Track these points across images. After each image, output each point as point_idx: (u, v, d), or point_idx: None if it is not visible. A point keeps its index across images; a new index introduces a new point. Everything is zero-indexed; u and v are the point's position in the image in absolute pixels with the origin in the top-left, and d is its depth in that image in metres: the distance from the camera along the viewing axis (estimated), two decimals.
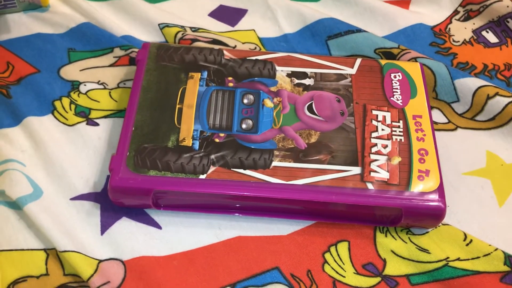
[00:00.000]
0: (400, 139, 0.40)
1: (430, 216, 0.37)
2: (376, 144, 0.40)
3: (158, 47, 0.45)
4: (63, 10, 0.53)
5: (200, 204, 0.39)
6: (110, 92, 0.47)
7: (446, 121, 0.46)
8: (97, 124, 0.44)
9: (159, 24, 0.51)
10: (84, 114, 0.45)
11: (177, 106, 0.41)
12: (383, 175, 0.38)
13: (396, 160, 0.39)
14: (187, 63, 0.44)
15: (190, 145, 0.39)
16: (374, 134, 0.40)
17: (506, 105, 0.44)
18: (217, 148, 0.39)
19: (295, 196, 0.37)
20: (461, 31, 0.53)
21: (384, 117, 0.41)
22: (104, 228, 0.39)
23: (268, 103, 0.42)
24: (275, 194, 0.37)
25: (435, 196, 0.37)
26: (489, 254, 0.38)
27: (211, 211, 0.39)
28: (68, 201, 0.40)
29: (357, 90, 0.43)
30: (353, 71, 0.44)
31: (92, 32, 0.50)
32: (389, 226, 0.39)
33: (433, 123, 0.42)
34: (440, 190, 0.38)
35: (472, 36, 0.53)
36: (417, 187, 0.37)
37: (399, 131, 0.40)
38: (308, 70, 0.44)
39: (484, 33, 0.53)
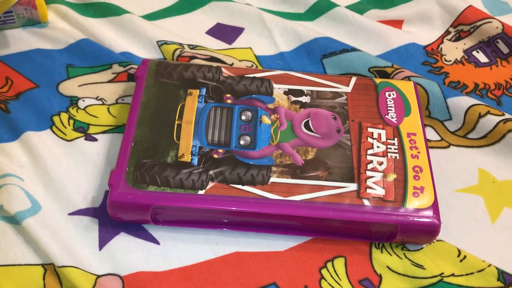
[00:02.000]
0: (395, 156, 0.41)
1: (425, 232, 0.38)
2: (371, 161, 0.40)
3: (157, 63, 0.45)
4: (62, 26, 0.53)
5: (198, 219, 0.40)
6: (108, 108, 0.47)
7: (439, 138, 0.47)
8: (95, 140, 0.44)
9: (157, 41, 0.52)
10: (83, 130, 0.45)
11: (176, 122, 0.41)
12: (379, 191, 0.39)
13: (392, 177, 0.40)
14: (186, 80, 0.44)
15: (189, 160, 0.39)
16: (369, 151, 0.41)
17: (497, 123, 0.45)
18: (215, 164, 0.39)
19: (292, 212, 0.38)
20: (453, 51, 0.55)
21: (380, 134, 0.42)
22: (102, 243, 0.39)
23: (266, 119, 0.42)
24: (273, 210, 0.38)
25: (430, 213, 0.38)
26: (483, 270, 0.38)
27: (209, 227, 0.40)
28: (66, 216, 0.40)
29: (353, 108, 0.44)
30: (348, 89, 0.45)
31: (91, 48, 0.51)
32: (385, 242, 0.40)
33: (427, 140, 0.42)
34: (435, 206, 0.38)
35: (463, 56, 0.54)
36: (412, 203, 0.38)
37: (394, 149, 0.41)
38: (304, 88, 0.45)
39: (474, 53, 0.55)
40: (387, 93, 0.45)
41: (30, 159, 0.43)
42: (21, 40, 0.51)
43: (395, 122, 0.43)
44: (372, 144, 0.41)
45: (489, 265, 0.39)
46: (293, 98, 0.44)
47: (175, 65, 0.45)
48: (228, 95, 0.44)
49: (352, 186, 0.39)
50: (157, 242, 0.39)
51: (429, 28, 0.57)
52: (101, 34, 0.52)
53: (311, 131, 0.42)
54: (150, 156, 0.39)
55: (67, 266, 0.36)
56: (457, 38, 0.56)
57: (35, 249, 0.38)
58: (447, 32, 0.56)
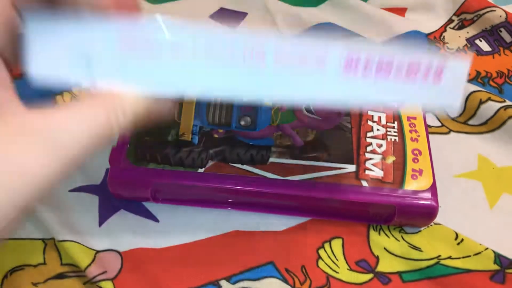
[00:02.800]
0: (395, 139, 0.41)
1: (423, 214, 0.38)
2: (371, 144, 0.41)
3: None
4: None
5: (198, 198, 0.40)
6: None
7: (440, 124, 0.47)
8: None
9: None
10: None
11: (178, 102, 0.42)
12: (378, 173, 0.39)
13: (391, 159, 0.40)
14: None
15: (190, 139, 0.40)
16: (369, 134, 0.41)
17: (498, 109, 0.45)
18: (215, 143, 0.40)
19: (291, 192, 0.38)
20: (455, 39, 0.55)
21: (380, 117, 0.42)
22: (102, 219, 0.39)
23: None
24: (272, 189, 0.38)
25: (428, 195, 0.38)
26: (479, 253, 0.39)
27: (208, 206, 0.40)
28: (67, 192, 0.40)
29: None
30: None
31: None
32: (383, 224, 0.40)
33: (427, 125, 0.43)
34: (433, 189, 0.38)
35: (466, 44, 0.54)
36: (410, 185, 0.38)
37: (394, 132, 0.41)
38: None
39: (477, 41, 0.55)
40: None
41: None
42: None
43: (395, 105, 0.43)
44: (372, 127, 0.42)
45: (486, 249, 0.39)
46: None
47: None
48: None
49: (351, 168, 0.39)
50: (157, 220, 0.40)
51: (432, 16, 0.57)
52: None
53: (312, 113, 0.42)
54: (151, 134, 0.40)
55: (67, 241, 0.37)
56: (460, 27, 0.56)
57: (36, 224, 0.39)
58: (450, 21, 0.56)
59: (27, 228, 0.38)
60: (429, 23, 0.56)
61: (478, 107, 0.46)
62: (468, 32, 0.55)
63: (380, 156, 0.40)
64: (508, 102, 0.46)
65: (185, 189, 0.39)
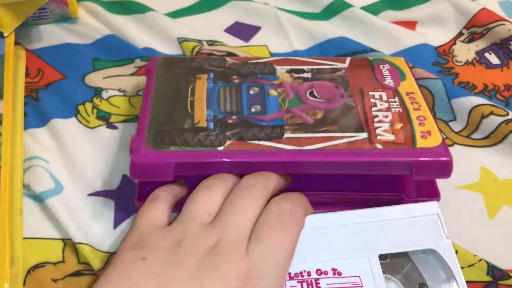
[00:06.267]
0: (399, 110, 0.43)
1: (440, 169, 0.39)
2: (377, 116, 0.42)
3: (165, 59, 0.48)
4: (91, 22, 0.57)
5: None
6: (129, 99, 0.50)
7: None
8: (116, 128, 0.48)
9: (178, 38, 0.55)
10: (105, 118, 0.49)
11: (189, 99, 0.44)
12: (389, 137, 0.40)
13: (399, 125, 0.41)
14: (194, 68, 0.47)
15: (205, 126, 0.41)
16: (374, 108, 0.43)
17: (500, 123, 0.46)
18: (231, 126, 0.41)
19: (310, 159, 0.39)
20: (465, 52, 0.56)
21: (381, 95, 0.44)
22: (117, 223, 0.42)
23: (273, 92, 0.45)
24: (291, 158, 0.39)
25: (441, 149, 0.39)
26: (473, 264, 0.40)
27: None
28: (86, 197, 0.43)
29: (352, 78, 0.46)
30: (345, 65, 0.48)
31: (116, 43, 0.54)
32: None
33: (424, 97, 0.44)
34: (444, 145, 0.39)
35: (475, 57, 0.55)
36: (422, 143, 0.39)
37: (396, 105, 0.43)
38: (305, 67, 0.48)
39: (486, 54, 0.56)
40: (381, 66, 0.48)
41: (56, 144, 0.46)
42: (53, 34, 0.56)
43: (393, 85, 0.45)
44: (375, 103, 0.43)
45: (480, 260, 0.40)
46: (296, 75, 0.47)
47: (182, 58, 0.49)
48: (234, 77, 0.46)
49: (363, 135, 0.40)
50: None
51: (442, 29, 0.58)
52: (126, 31, 0.55)
53: (316, 97, 0.44)
54: (168, 124, 0.41)
55: (83, 243, 0.40)
56: (470, 40, 0.57)
57: (56, 225, 0.41)
58: (460, 34, 0.57)
59: (48, 228, 0.41)
60: (439, 37, 0.57)
61: (481, 121, 0.47)
62: (477, 45, 0.56)
63: (388, 124, 0.41)
64: (510, 116, 0.47)
65: (205, 169, 0.40)
